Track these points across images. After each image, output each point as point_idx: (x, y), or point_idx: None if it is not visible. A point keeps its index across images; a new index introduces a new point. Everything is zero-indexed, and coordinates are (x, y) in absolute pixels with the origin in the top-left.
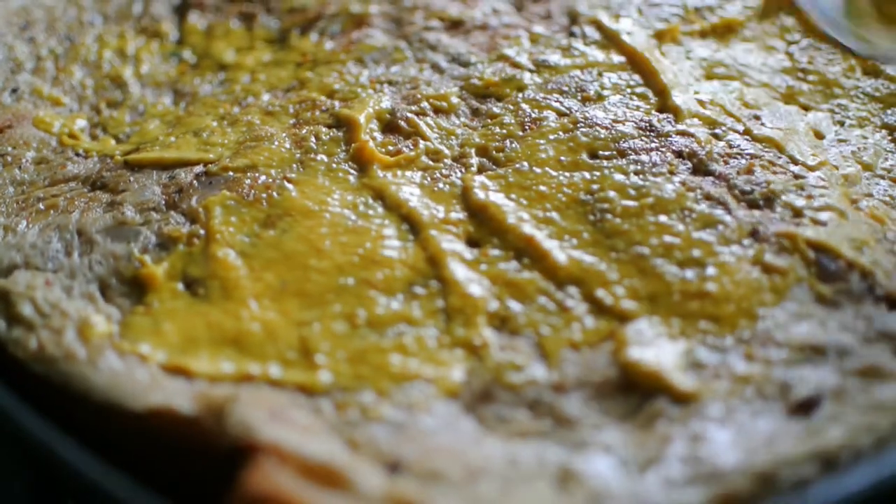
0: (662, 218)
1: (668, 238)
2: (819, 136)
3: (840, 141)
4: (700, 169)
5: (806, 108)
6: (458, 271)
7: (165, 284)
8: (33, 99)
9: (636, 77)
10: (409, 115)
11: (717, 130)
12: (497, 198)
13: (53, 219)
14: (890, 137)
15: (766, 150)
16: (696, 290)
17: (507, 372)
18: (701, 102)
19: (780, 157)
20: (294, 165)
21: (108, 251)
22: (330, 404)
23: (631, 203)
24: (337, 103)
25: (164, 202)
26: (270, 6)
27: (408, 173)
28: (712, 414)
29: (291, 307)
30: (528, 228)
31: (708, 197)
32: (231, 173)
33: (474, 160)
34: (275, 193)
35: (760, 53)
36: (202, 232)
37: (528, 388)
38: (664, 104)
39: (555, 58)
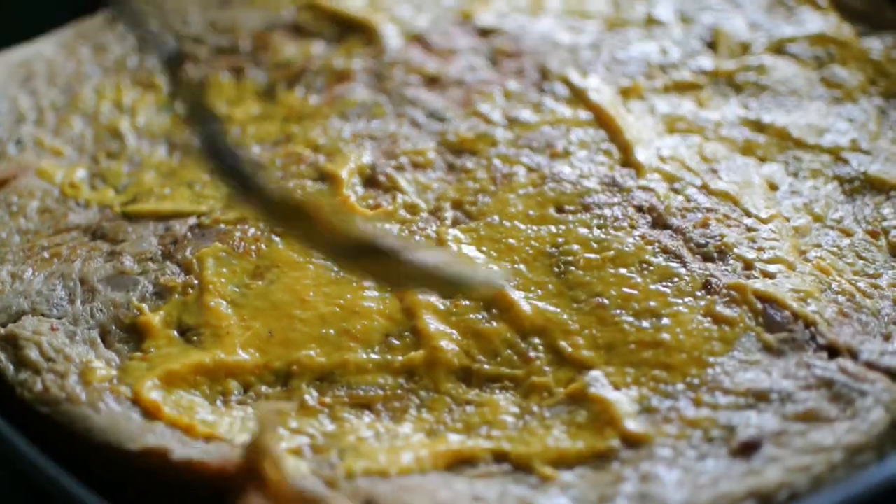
0: (622, 270)
1: (626, 289)
2: (773, 187)
3: (793, 192)
4: (659, 223)
5: (762, 160)
6: (431, 324)
7: (162, 332)
8: (36, 150)
9: (602, 133)
10: (389, 170)
11: (676, 185)
12: (469, 251)
13: (57, 267)
14: (841, 189)
15: (722, 203)
16: (650, 340)
17: (474, 427)
18: (662, 157)
19: (734, 210)
20: (282, 217)
21: (108, 299)
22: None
23: (593, 256)
24: (321, 157)
25: (160, 253)
26: (258, 60)
27: (387, 226)
28: (662, 455)
29: (276, 355)
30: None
31: (665, 250)
32: (222, 225)
33: (449, 213)
34: (263, 245)
35: (720, 107)
36: (196, 282)
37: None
38: (627, 159)
39: (526, 114)
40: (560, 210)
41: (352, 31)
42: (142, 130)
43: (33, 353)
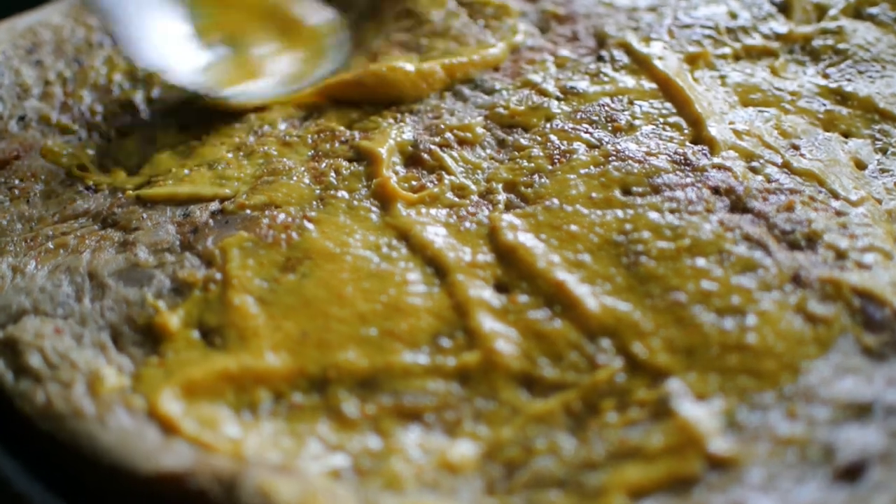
0: (700, 261)
1: (705, 283)
2: (861, 165)
3: (882, 171)
4: (738, 206)
5: (846, 135)
6: (486, 322)
7: (180, 333)
8: (41, 126)
9: (668, 105)
10: (433, 147)
11: (754, 163)
12: (526, 239)
13: (63, 259)
14: None
15: (807, 184)
16: (735, 342)
17: (534, 450)
18: (737, 133)
19: (820, 192)
20: (314, 203)
21: (120, 296)
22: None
23: (666, 245)
24: (357, 134)
25: (178, 242)
26: None
27: (432, 211)
28: (753, 480)
29: (310, 359)
30: (558, 273)
31: (747, 237)
32: (248, 211)
33: (501, 196)
34: (294, 234)
35: (797, 75)
36: (219, 276)
37: (556, 467)
38: (699, 135)
39: (583, 84)
40: (627, 192)
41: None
42: (157, 104)
43: (35, 360)
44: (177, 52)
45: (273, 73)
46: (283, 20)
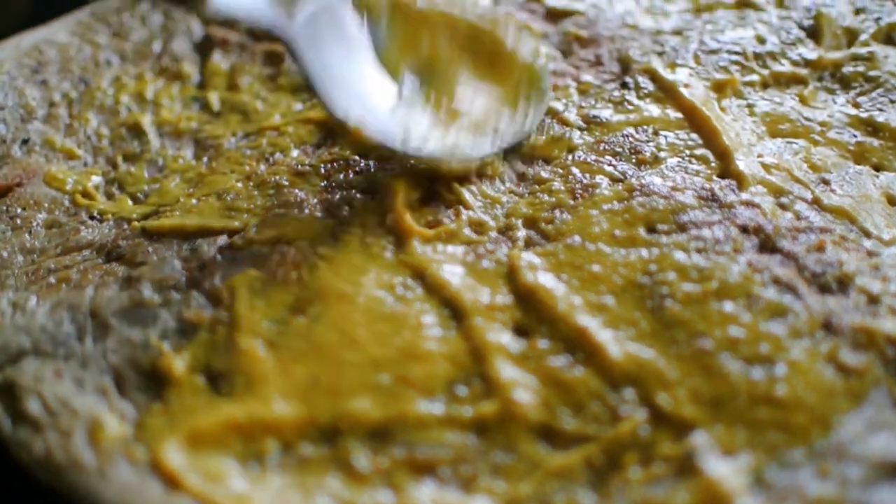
0: (727, 305)
1: (733, 330)
2: (893, 201)
3: None
4: (767, 246)
5: (878, 168)
6: (504, 370)
7: (185, 378)
8: (45, 151)
9: (695, 136)
10: (451, 180)
11: (783, 199)
12: (546, 280)
13: (65, 295)
14: None
15: (837, 221)
16: (764, 394)
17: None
18: (765, 166)
19: (851, 230)
20: (326, 238)
21: (124, 337)
22: None
23: (692, 287)
24: (372, 164)
25: (184, 279)
26: None
27: (449, 248)
28: None
29: (321, 407)
30: (580, 318)
31: (776, 280)
32: (258, 247)
33: (521, 233)
34: (305, 272)
35: (826, 104)
36: (226, 316)
37: None
38: (726, 169)
39: (606, 113)
40: (651, 230)
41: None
42: (166, 128)
43: (34, 406)
44: (369, 94)
45: (481, 121)
46: (492, 48)
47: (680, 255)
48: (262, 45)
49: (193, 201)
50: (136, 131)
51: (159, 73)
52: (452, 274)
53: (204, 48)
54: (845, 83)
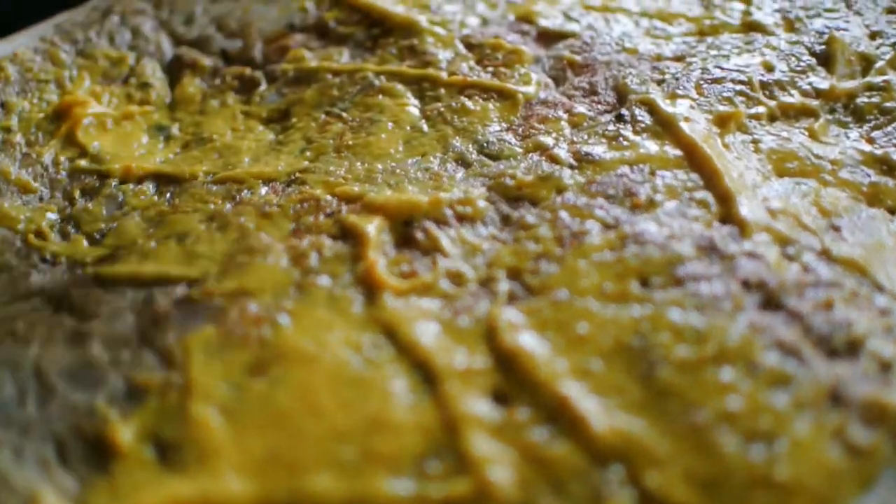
0: (725, 372)
1: (731, 400)
2: None
3: None
4: (770, 303)
5: (893, 212)
6: (479, 444)
7: (133, 449)
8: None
9: (695, 176)
10: (429, 224)
11: (789, 249)
12: (529, 341)
13: (9, 351)
14: None
15: (847, 274)
16: (762, 476)
17: None
18: (771, 211)
19: (862, 284)
20: (291, 290)
21: (69, 401)
22: None
23: (688, 351)
24: (344, 206)
25: (137, 336)
26: (272, 70)
27: (424, 302)
28: None
29: (279, 484)
30: (563, 385)
31: (779, 344)
32: (217, 300)
33: (503, 285)
34: (267, 330)
35: (838, 139)
36: (179, 379)
37: None
38: (728, 214)
39: (599, 150)
40: (645, 284)
41: (389, 34)
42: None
43: None
44: None
45: None
46: None
47: (675, 314)
48: (234, 68)
49: (152, 244)
50: (98, 161)
51: (126, 99)
52: (426, 332)
53: (174, 70)
54: (859, 116)
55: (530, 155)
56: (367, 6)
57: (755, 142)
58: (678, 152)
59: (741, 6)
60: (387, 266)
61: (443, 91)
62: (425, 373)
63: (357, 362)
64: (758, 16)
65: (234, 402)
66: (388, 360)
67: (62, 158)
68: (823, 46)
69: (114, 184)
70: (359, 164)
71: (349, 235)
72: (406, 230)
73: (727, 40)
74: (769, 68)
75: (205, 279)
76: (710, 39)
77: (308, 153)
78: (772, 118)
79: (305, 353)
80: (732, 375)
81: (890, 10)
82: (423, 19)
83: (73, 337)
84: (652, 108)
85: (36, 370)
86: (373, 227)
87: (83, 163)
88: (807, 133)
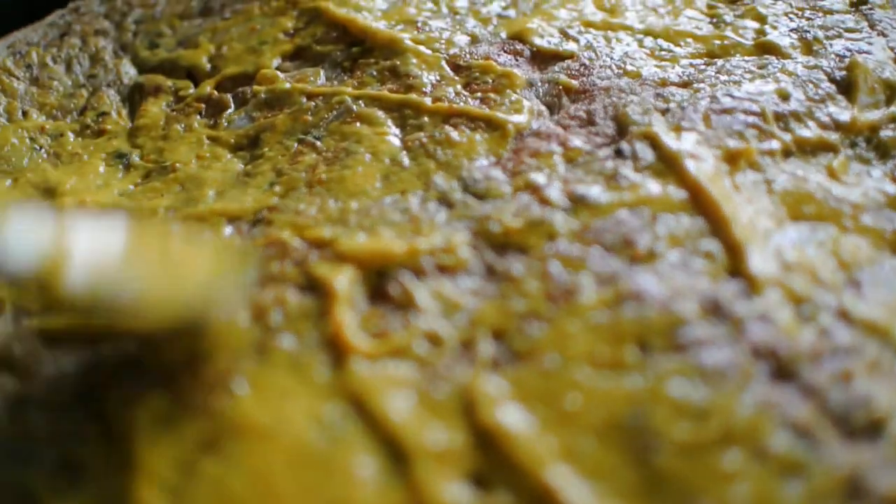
0: (730, 457)
1: (737, 489)
2: None
3: None
4: (782, 374)
5: None
6: None
7: None
8: None
9: (700, 222)
10: (404, 275)
11: (804, 309)
12: (512, 417)
13: None
14: None
15: (868, 338)
16: None
17: None
18: (785, 264)
19: (884, 350)
20: (251, 352)
21: (2, 479)
22: None
23: (689, 431)
24: (314, 253)
25: (79, 400)
26: (243, 94)
27: (397, 367)
28: None
29: None
30: (550, 469)
31: (792, 424)
32: (168, 362)
33: (486, 348)
34: (222, 398)
35: (860, 178)
36: (124, 454)
37: None
38: (736, 267)
39: (596, 191)
40: (643, 348)
41: (369, 53)
42: (84, 195)
43: None
44: None
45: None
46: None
47: (676, 386)
48: (201, 91)
49: None
50: (51, 196)
51: (80, 132)
52: (398, 404)
53: (135, 98)
54: (883, 151)
55: (519, 194)
56: (346, 21)
57: (768, 181)
58: (683, 194)
59: (754, 24)
60: (357, 323)
61: (426, 119)
62: (395, 452)
63: (320, 439)
64: (772, 36)
65: (183, 483)
66: (354, 436)
67: (14, 193)
68: (844, 72)
69: None
70: (331, 201)
71: (317, 288)
72: (379, 281)
73: (739, 63)
74: (784, 97)
75: (156, 336)
76: (720, 62)
77: (277, 187)
78: (786, 154)
79: (263, 427)
80: (739, 460)
81: None
82: (406, 37)
83: (13, 402)
84: (654, 142)
85: None
86: (342, 280)
87: (34, 197)
88: (825, 171)
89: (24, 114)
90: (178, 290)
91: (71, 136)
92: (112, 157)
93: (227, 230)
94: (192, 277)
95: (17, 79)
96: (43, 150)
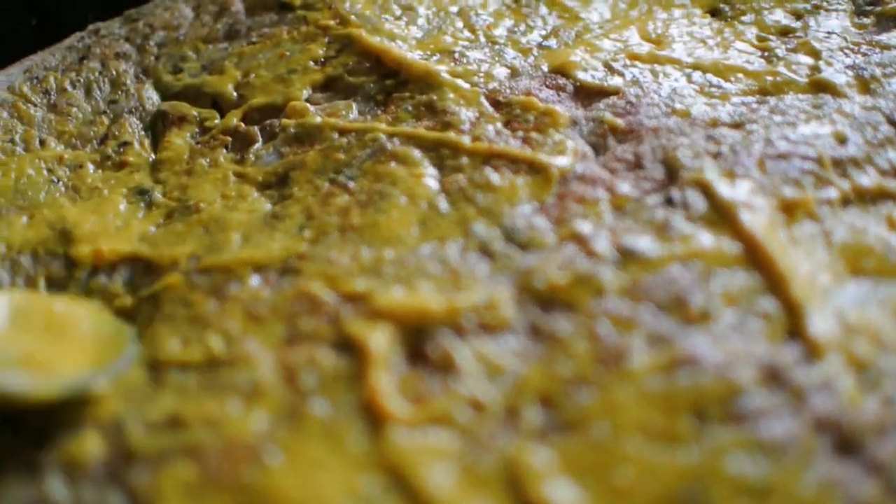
0: None
1: None
2: None
3: None
4: (845, 448)
5: None
6: None
7: None
8: None
9: (756, 277)
10: (444, 335)
11: (867, 376)
12: (561, 493)
13: None
14: None
15: None
16: None
17: None
18: (847, 326)
19: None
20: (282, 419)
21: None
22: None
23: None
24: (347, 307)
25: (103, 468)
26: (270, 127)
27: (438, 435)
28: None
29: None
30: None
31: None
32: (196, 431)
33: (532, 415)
34: (252, 471)
35: None
36: None
37: None
38: (796, 328)
39: (646, 243)
40: (699, 418)
41: (404, 86)
42: (102, 241)
43: None
44: None
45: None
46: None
47: (733, 461)
48: (227, 123)
49: None
50: (66, 241)
51: (101, 163)
52: (439, 477)
53: (158, 126)
54: None
55: (565, 245)
56: (379, 51)
57: (825, 233)
58: (737, 247)
59: (808, 60)
60: (395, 388)
61: (465, 160)
62: None
63: None
64: (827, 73)
65: None
66: None
67: (29, 234)
68: None
69: (83, 275)
70: (365, 249)
71: (351, 347)
72: (417, 340)
73: (793, 103)
74: (841, 140)
75: (179, 402)
76: (772, 101)
77: (307, 232)
78: (845, 203)
79: (295, 502)
80: None
81: None
82: (443, 70)
83: (31, 468)
84: (707, 190)
85: None
86: (378, 339)
87: (50, 240)
88: (885, 222)
89: (42, 143)
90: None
91: (91, 167)
92: (133, 192)
93: (254, 280)
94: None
95: (35, 105)
96: (61, 183)
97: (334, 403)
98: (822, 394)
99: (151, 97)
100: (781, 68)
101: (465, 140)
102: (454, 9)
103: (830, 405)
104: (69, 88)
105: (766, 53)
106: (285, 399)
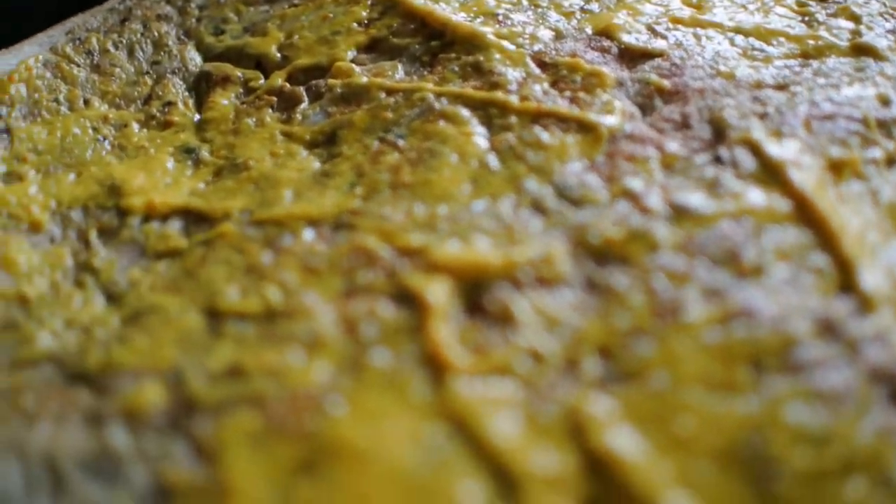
0: (854, 485)
1: None
2: None
3: None
4: None
5: None
6: None
7: None
8: (7, 220)
9: (807, 234)
10: (501, 288)
11: None
12: (624, 442)
13: (16, 431)
14: None
15: None
16: None
17: None
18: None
19: None
20: (344, 369)
21: (84, 498)
22: None
23: (809, 460)
24: (403, 261)
25: (167, 418)
26: (317, 87)
27: (499, 385)
28: None
29: None
30: (666, 501)
31: None
32: (257, 380)
33: (591, 366)
34: (316, 420)
35: None
36: (217, 478)
37: None
38: (848, 283)
39: (697, 199)
40: (757, 369)
41: (449, 48)
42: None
43: None
44: None
45: None
46: None
47: (792, 411)
48: (272, 83)
49: (179, 307)
50: (117, 195)
51: (145, 123)
52: (503, 426)
53: (201, 87)
54: None
55: (617, 201)
56: (423, 13)
57: (873, 192)
58: (787, 204)
59: (849, 24)
60: (455, 338)
61: (513, 119)
62: (504, 478)
63: (422, 463)
64: (868, 37)
65: None
66: (458, 460)
67: (78, 191)
68: None
69: (135, 223)
70: (418, 206)
71: (409, 299)
72: (475, 293)
73: (835, 66)
74: (885, 101)
75: (238, 352)
76: (815, 64)
77: (359, 189)
78: (889, 163)
79: (362, 450)
80: (863, 489)
81: None
82: (488, 31)
83: (91, 417)
84: (755, 149)
85: (48, 458)
86: (437, 292)
87: (99, 195)
88: None
89: (86, 102)
90: None
91: (136, 127)
92: (180, 151)
93: (308, 234)
94: None
95: (78, 66)
96: (107, 142)
97: (395, 354)
98: (876, 345)
99: (194, 58)
100: (822, 32)
101: (513, 99)
102: None
103: (885, 356)
104: (112, 49)
105: (806, 18)
106: (346, 350)
